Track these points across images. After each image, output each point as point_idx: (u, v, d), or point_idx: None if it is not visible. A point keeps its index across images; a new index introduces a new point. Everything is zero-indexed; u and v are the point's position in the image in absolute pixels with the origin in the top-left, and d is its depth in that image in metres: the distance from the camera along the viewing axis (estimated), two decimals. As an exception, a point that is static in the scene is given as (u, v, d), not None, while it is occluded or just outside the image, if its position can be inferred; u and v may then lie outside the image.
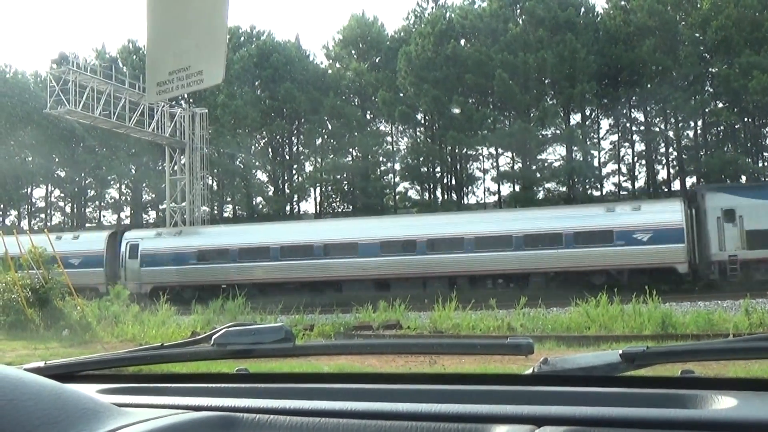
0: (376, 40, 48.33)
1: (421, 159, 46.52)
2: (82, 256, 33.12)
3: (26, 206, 54.48)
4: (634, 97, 43.63)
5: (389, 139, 48.75)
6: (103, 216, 54.24)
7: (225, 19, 1.94)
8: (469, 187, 47.80)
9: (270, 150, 50.64)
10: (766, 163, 43.90)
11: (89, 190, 54.31)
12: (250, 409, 1.34)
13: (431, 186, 47.55)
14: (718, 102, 42.16)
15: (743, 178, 41.47)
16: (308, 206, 50.58)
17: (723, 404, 1.24)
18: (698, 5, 41.40)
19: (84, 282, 30.42)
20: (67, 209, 55.48)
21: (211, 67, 1.97)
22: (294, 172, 50.45)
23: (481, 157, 47.17)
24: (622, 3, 44.31)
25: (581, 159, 44.31)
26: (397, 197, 47.59)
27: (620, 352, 1.51)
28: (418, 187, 47.49)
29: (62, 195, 55.01)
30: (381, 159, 47.93)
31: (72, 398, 1.21)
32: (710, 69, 41.75)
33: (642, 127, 45.82)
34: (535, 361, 1.58)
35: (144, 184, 51.63)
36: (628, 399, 1.32)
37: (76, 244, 34.12)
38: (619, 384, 1.47)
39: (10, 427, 1.06)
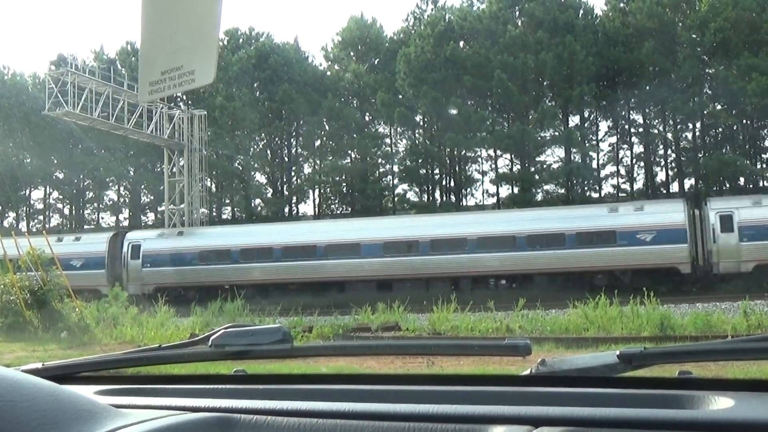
0: (375, 42, 48.36)
1: (419, 161, 46.55)
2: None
3: (25, 208, 54.43)
4: (632, 99, 43.66)
5: (388, 140, 48.81)
6: (102, 218, 54.27)
7: (218, 18, 1.94)
8: (468, 189, 47.86)
9: (269, 152, 50.64)
10: (764, 165, 43.92)
11: (88, 192, 54.28)
12: (247, 410, 1.34)
13: (430, 188, 47.59)
14: (716, 104, 42.17)
15: (741, 180, 41.52)
16: (307, 208, 50.71)
17: (720, 405, 1.24)
18: (697, 7, 41.42)
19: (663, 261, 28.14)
20: (66, 211, 55.49)
21: (203, 67, 1.98)
22: (293, 173, 50.47)
23: (479, 159, 47.23)
24: (621, 5, 44.37)
25: (580, 161, 44.36)
26: (396, 199, 47.61)
27: (617, 352, 1.51)
28: (417, 189, 47.50)
29: (61, 197, 54.97)
30: (380, 161, 47.97)
31: (69, 399, 1.20)
32: (709, 71, 41.79)
33: (641, 129, 45.85)
34: (533, 363, 1.58)
35: (142, 186, 51.59)
36: (625, 400, 1.32)
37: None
38: (617, 385, 1.47)
39: (7, 428, 1.06)
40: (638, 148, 46.48)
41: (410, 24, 48.14)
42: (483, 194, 47.59)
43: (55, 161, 51.77)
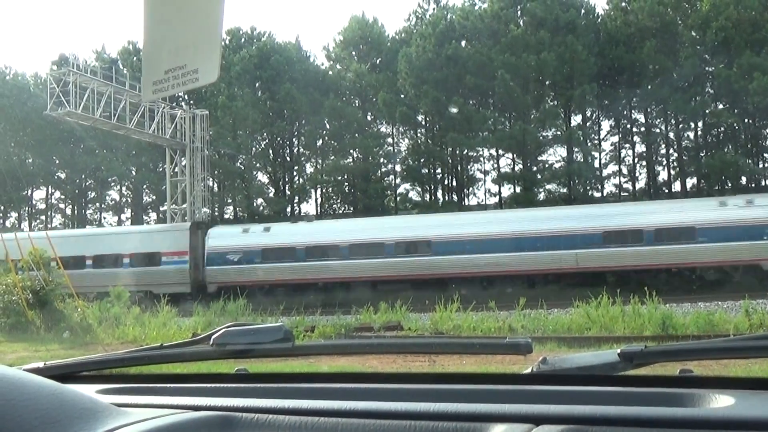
0: (377, 42, 48.35)
1: (421, 160, 46.55)
2: None
3: (27, 208, 54.47)
4: (634, 99, 43.62)
5: (390, 140, 48.81)
6: (104, 218, 54.33)
7: (220, 17, 1.95)
8: (470, 189, 47.91)
9: (270, 151, 50.66)
10: (766, 165, 43.88)
11: (90, 192, 54.34)
12: (249, 408, 1.34)
13: (432, 187, 47.58)
14: (718, 103, 42.15)
15: (743, 180, 41.46)
16: (309, 207, 50.73)
17: (721, 403, 1.24)
18: (698, 6, 41.38)
19: None
20: (68, 211, 55.56)
21: (207, 66, 1.98)
22: (294, 173, 50.49)
23: (481, 159, 47.29)
24: (623, 4, 44.34)
25: (582, 160, 44.33)
26: (398, 198, 47.61)
27: (618, 351, 1.51)
28: (419, 189, 47.52)
29: (63, 197, 55.05)
30: (381, 160, 47.97)
31: (71, 398, 1.21)
32: (710, 70, 41.75)
33: (642, 129, 45.84)
34: (535, 361, 1.58)
35: (144, 186, 51.64)
36: (627, 398, 1.32)
37: None
38: (618, 383, 1.47)
39: (9, 427, 1.06)
40: (640, 148, 46.51)
41: (412, 23, 48.16)
42: (485, 194, 47.68)
43: (57, 161, 51.84)
